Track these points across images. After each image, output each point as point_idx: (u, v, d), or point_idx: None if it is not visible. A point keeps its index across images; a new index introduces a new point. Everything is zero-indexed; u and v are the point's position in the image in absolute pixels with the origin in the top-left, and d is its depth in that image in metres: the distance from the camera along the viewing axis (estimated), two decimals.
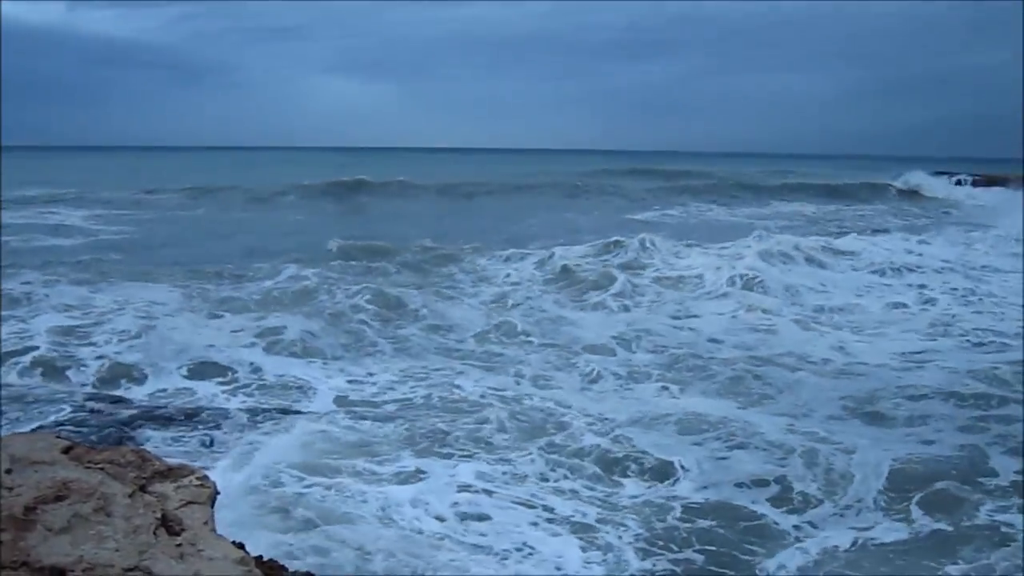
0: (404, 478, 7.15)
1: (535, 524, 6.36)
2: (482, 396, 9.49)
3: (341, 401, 9.57)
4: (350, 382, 10.25)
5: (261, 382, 10.16)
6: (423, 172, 48.73)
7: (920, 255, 19.06)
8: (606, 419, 8.76)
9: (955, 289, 16.02)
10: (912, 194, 39.94)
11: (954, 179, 44.22)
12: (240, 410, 9.04)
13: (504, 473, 7.32)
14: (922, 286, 16.25)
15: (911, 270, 17.66)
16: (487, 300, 14.91)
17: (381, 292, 13.96)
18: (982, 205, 35.30)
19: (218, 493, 3.70)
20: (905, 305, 15.11)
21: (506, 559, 5.80)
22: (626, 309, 14.25)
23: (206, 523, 3.34)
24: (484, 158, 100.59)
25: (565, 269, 17.02)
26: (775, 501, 6.84)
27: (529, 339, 12.20)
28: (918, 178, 43.89)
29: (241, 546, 3.40)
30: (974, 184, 42.33)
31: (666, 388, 10.02)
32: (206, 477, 3.76)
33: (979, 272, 17.90)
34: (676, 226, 28.45)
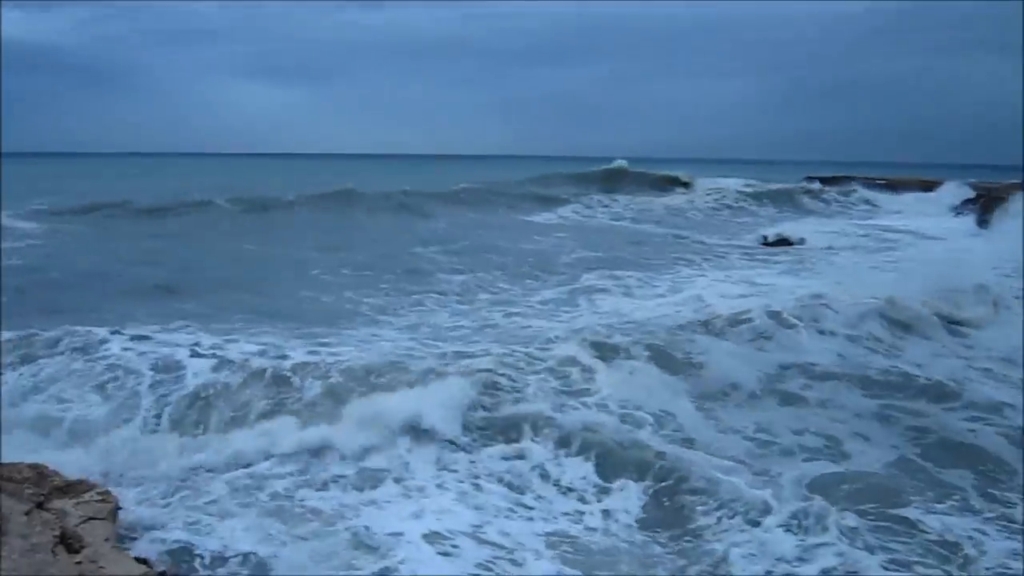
0: None
1: None
2: None
3: None
4: None
5: None
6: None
7: None
8: None
9: None
10: (813, 199, 40.78)
11: (855, 185, 45.14)
12: None
13: None
14: None
15: None
16: None
17: None
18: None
19: (120, 507, 3.63)
20: None
21: None
22: None
23: (107, 539, 3.28)
24: (396, 165, 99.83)
25: None
26: None
27: None
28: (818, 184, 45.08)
29: (144, 561, 3.34)
30: (869, 187, 43.26)
31: None
32: (108, 492, 3.68)
33: None
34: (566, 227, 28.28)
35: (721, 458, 5.84)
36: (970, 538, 4.90)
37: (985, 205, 28.26)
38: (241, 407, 6.36)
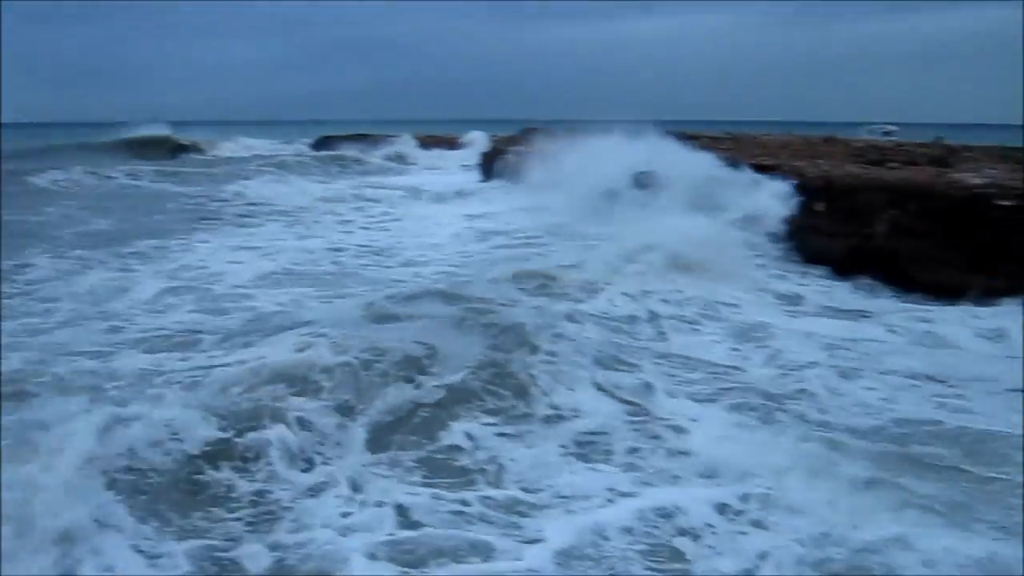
0: None
1: None
2: None
3: None
4: None
5: None
6: None
7: None
8: None
9: None
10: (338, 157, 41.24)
11: (366, 145, 45.33)
12: None
13: None
14: None
15: None
16: None
17: None
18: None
19: None
20: None
21: None
22: None
23: None
24: None
25: None
26: None
27: None
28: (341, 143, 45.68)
29: None
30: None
31: None
32: None
33: None
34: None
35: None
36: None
37: (487, 160, 30.52)
38: None
